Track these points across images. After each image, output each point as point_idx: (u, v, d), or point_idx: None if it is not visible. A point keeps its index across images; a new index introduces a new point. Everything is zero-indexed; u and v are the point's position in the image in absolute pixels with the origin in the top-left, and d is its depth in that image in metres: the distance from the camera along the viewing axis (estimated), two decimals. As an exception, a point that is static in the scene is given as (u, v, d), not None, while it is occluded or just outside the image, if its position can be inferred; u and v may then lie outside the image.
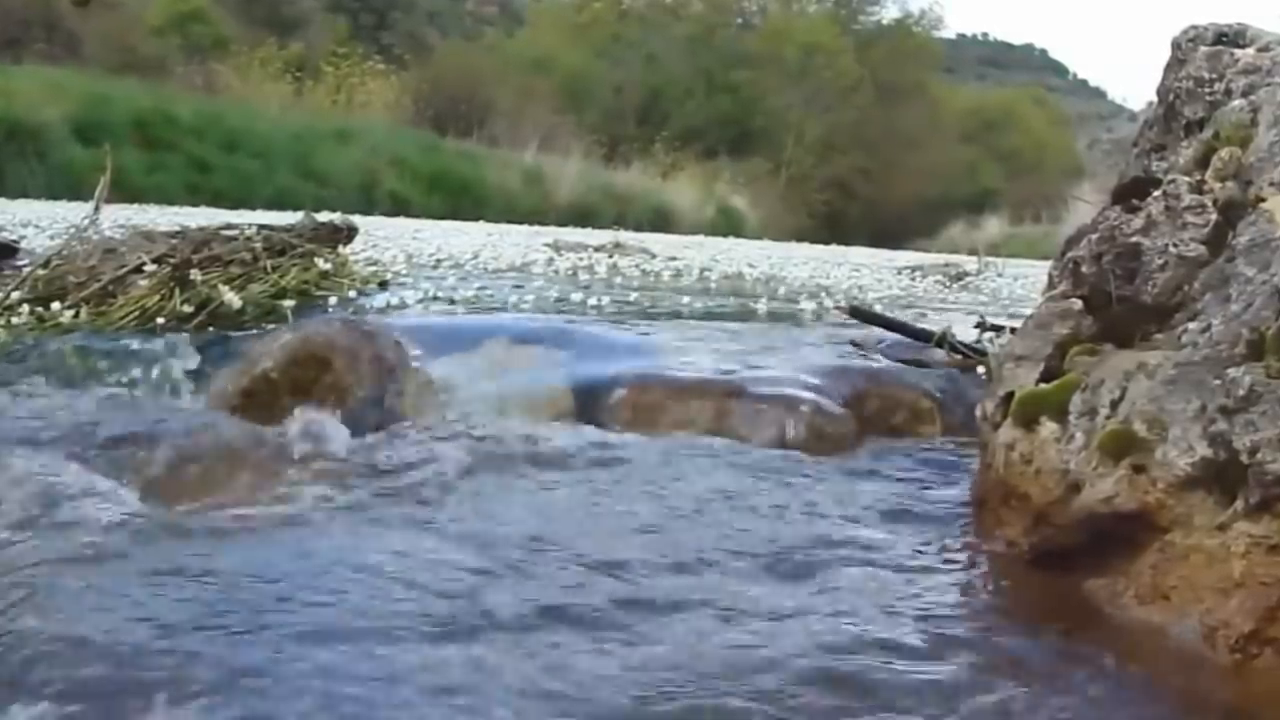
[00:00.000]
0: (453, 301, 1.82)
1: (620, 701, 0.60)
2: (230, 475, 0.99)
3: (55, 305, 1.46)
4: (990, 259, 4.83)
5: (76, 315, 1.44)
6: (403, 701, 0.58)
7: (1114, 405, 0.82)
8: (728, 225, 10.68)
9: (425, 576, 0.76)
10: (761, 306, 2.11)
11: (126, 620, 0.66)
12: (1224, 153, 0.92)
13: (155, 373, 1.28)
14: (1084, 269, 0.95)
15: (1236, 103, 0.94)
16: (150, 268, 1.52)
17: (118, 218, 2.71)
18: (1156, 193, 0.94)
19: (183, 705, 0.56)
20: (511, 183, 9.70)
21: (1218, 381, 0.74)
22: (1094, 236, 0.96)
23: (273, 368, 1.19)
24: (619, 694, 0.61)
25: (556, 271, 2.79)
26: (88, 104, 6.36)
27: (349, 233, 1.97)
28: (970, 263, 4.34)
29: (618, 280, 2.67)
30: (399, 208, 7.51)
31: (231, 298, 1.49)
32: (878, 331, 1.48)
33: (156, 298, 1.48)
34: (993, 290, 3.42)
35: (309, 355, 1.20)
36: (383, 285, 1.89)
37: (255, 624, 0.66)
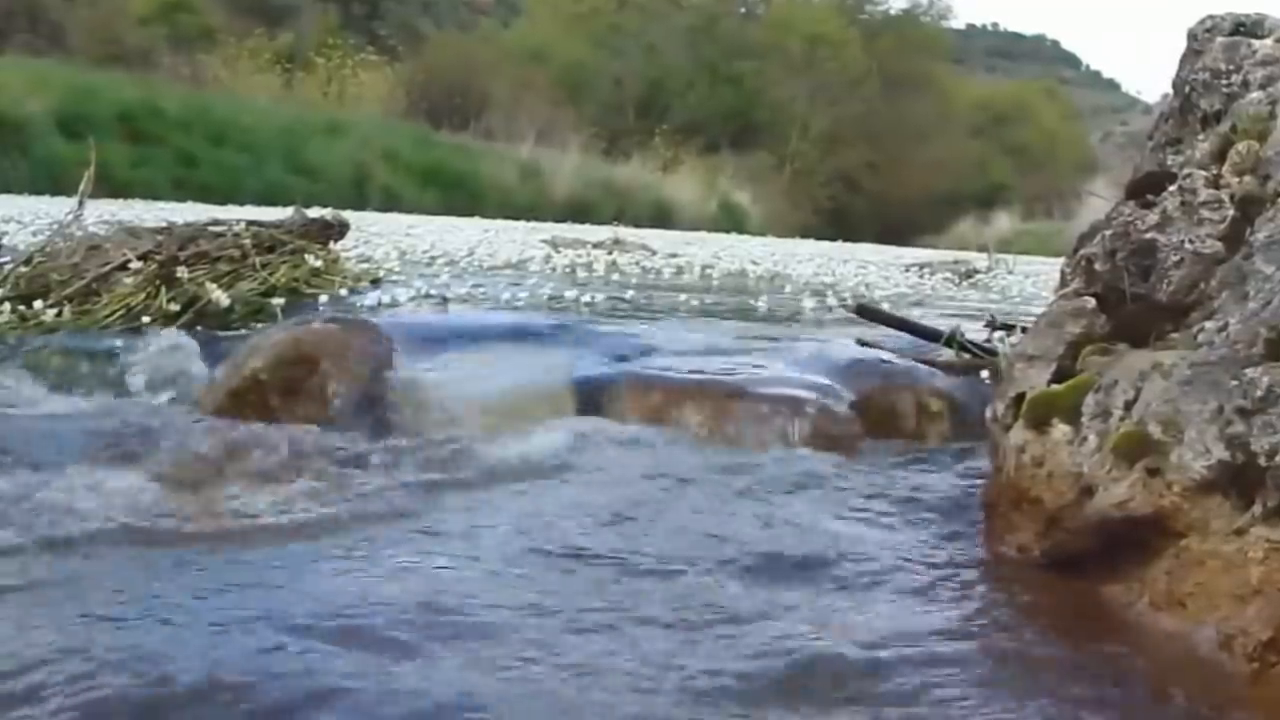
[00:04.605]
0: (446, 300, 1.79)
1: (622, 701, 0.58)
2: (218, 479, 0.97)
3: (38, 303, 1.42)
4: (1001, 256, 4.78)
5: (60, 314, 1.41)
6: (392, 704, 0.56)
7: (1128, 406, 0.80)
8: (730, 221, 10.59)
9: (420, 580, 0.74)
10: (765, 305, 2.09)
11: (119, 625, 0.64)
12: (1241, 146, 0.90)
13: (141, 373, 1.25)
14: (1097, 266, 0.93)
15: (1255, 95, 0.92)
16: (136, 265, 1.49)
17: (102, 213, 2.64)
18: (1172, 188, 0.92)
19: (187, 707, 0.54)
20: (508, 177, 9.60)
21: (1235, 382, 0.73)
22: (1108, 233, 0.94)
23: (262, 368, 1.16)
24: (619, 696, 0.59)
25: (554, 269, 2.76)
26: (72, 96, 6.23)
27: (340, 229, 1.94)
28: (980, 260, 4.30)
29: (616, 278, 2.64)
30: (392, 203, 7.36)
31: (219, 296, 1.46)
32: (885, 331, 1.46)
33: (142, 296, 1.45)
34: (1003, 288, 3.40)
35: (299, 355, 1.17)
36: (375, 283, 1.86)
37: (246, 628, 0.65)
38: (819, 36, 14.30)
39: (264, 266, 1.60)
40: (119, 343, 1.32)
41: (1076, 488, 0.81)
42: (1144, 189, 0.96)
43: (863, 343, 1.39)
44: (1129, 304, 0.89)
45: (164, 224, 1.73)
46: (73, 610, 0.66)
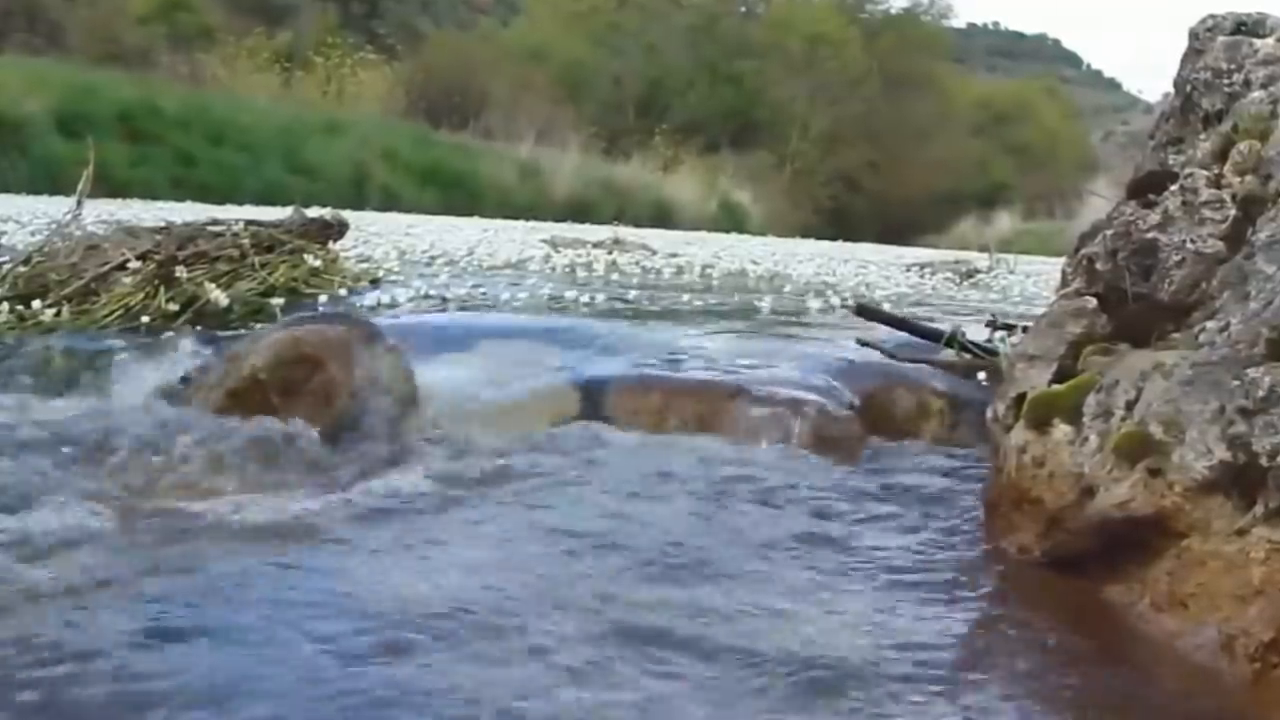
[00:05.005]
0: (446, 300, 1.79)
1: (621, 703, 0.58)
2: (216, 479, 0.96)
3: (36, 303, 1.42)
4: (1001, 255, 4.76)
5: (58, 314, 1.41)
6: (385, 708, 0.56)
7: (1129, 407, 0.80)
8: (730, 221, 10.57)
9: (420, 580, 0.74)
10: (765, 305, 2.08)
11: (118, 628, 0.64)
12: (1243, 146, 0.90)
13: (139, 373, 1.25)
14: (1099, 266, 0.93)
15: (1256, 94, 0.92)
16: (134, 265, 1.49)
17: (101, 213, 2.63)
18: (1173, 187, 0.92)
19: (180, 712, 0.54)
20: (507, 177, 9.56)
21: (1236, 382, 0.73)
22: (1109, 232, 0.94)
23: (261, 368, 1.15)
24: (618, 699, 0.59)
25: (554, 269, 2.75)
26: (70, 95, 6.21)
27: (339, 228, 1.95)
28: (981, 259, 4.29)
29: (616, 278, 2.64)
30: (391, 202, 7.34)
31: (218, 296, 1.46)
32: (885, 331, 1.46)
33: (141, 295, 1.45)
34: (1004, 288, 3.39)
35: (298, 355, 1.16)
36: (374, 283, 1.87)
37: (243, 629, 0.65)
38: (819, 36, 14.26)
39: (263, 266, 1.60)
40: (118, 343, 1.32)
41: (1077, 488, 0.81)
42: (1145, 188, 0.96)
43: (863, 343, 1.39)
44: (1130, 304, 0.89)
45: (163, 224, 1.72)
46: (68, 612, 0.66)
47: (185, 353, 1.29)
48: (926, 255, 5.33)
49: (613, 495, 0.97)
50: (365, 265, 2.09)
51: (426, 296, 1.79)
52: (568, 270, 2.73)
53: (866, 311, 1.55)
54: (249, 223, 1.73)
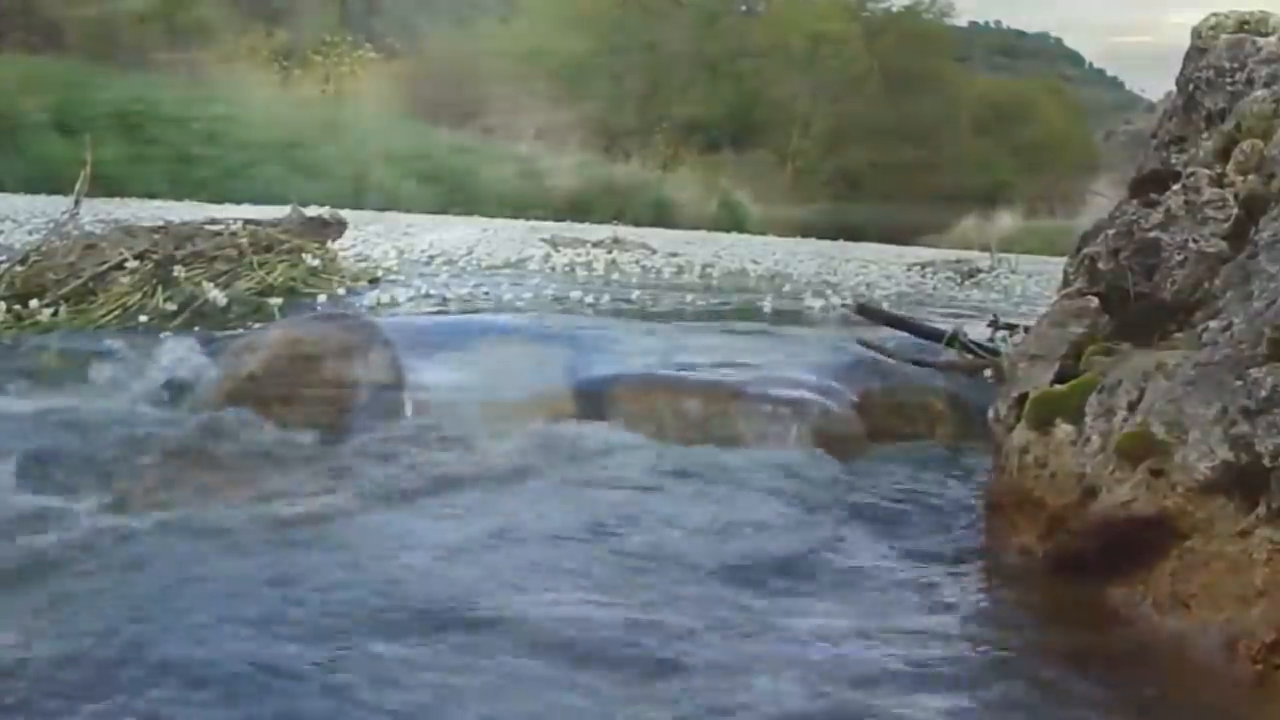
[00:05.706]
0: (446, 299, 1.80)
1: (619, 705, 0.58)
2: (214, 477, 0.96)
3: (34, 303, 1.42)
4: (1003, 255, 4.78)
5: (56, 313, 1.41)
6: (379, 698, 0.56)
7: (1132, 407, 0.80)
8: (730, 220, 10.57)
9: (416, 577, 0.74)
10: (766, 304, 2.09)
11: (119, 625, 0.64)
12: (1246, 145, 0.89)
13: (138, 373, 1.24)
14: (1101, 265, 0.93)
15: (1259, 93, 0.92)
16: (132, 264, 1.49)
17: (98, 212, 2.62)
18: (1176, 186, 0.92)
19: (194, 701, 0.55)
20: (506, 176, 9.60)
21: (1239, 382, 0.73)
22: (1111, 232, 0.94)
23: (260, 368, 1.15)
24: (615, 703, 0.59)
25: (553, 268, 2.77)
26: (67, 94, 6.28)
27: (338, 228, 1.95)
28: (983, 259, 4.32)
29: (616, 277, 2.66)
30: (390, 202, 7.31)
31: (216, 295, 1.46)
32: (887, 331, 1.46)
33: (139, 295, 1.45)
34: (1005, 287, 3.43)
35: (298, 355, 1.16)
36: (373, 282, 1.88)
37: (243, 627, 0.65)
38: (821, 34, 14.26)
39: (261, 265, 1.60)
40: (116, 342, 1.32)
41: (1079, 488, 0.81)
42: (1148, 187, 0.96)
43: (863, 343, 1.39)
44: (1133, 303, 0.89)
45: (160, 223, 1.73)
46: (67, 614, 0.66)
47: (183, 353, 1.29)
48: (928, 254, 5.35)
49: (611, 494, 0.96)
50: (364, 265, 2.09)
51: (426, 296, 1.80)
52: (568, 270, 2.74)
53: (867, 311, 1.55)
54: (247, 222, 1.74)
